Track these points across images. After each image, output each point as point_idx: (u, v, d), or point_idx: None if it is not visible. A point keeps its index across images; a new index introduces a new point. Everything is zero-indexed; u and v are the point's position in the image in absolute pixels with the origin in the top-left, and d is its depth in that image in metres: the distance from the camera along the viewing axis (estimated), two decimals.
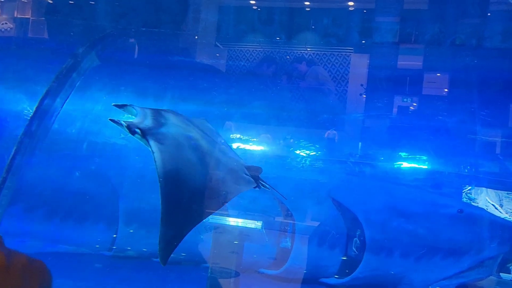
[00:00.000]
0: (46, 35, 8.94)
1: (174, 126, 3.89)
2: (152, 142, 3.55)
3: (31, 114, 4.96)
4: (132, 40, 8.56)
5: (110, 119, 3.45)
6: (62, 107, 5.15)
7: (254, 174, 4.19)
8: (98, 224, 10.69)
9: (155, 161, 3.49)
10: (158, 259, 10.81)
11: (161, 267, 10.64)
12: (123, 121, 3.51)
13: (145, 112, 3.81)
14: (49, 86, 5.02)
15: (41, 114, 4.98)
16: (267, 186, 4.28)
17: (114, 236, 10.63)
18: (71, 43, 7.69)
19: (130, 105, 3.64)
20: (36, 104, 4.95)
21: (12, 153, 4.82)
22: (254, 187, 4.26)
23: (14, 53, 9.06)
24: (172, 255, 10.85)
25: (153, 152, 3.51)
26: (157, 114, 3.85)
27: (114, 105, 3.47)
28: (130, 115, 3.66)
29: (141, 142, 3.72)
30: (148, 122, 3.67)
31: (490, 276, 9.94)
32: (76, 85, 5.18)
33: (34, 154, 4.90)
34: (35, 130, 4.94)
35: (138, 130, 3.56)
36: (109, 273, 9.06)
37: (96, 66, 5.44)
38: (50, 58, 7.97)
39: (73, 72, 5.10)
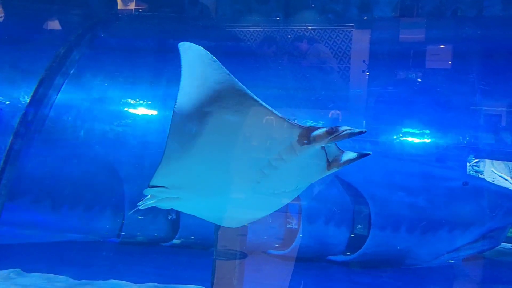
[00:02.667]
0: (40, 24, 8.85)
1: None
2: None
3: (27, 103, 4.93)
4: (125, 25, 8.46)
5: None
6: (57, 96, 5.11)
7: None
8: (105, 211, 10.77)
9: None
10: (167, 243, 10.72)
11: (171, 252, 10.69)
12: None
13: None
14: (43, 75, 4.98)
15: (36, 103, 4.95)
16: None
17: (122, 222, 10.73)
18: (65, 32, 7.61)
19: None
20: (31, 93, 4.91)
21: (9, 143, 4.82)
22: None
23: (9, 43, 8.98)
24: (182, 239, 10.82)
25: None
26: None
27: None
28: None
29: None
30: None
31: (497, 247, 9.94)
32: (70, 72, 5.13)
33: (32, 144, 4.88)
34: (31, 119, 4.92)
35: None
36: (119, 259, 9.15)
37: (90, 53, 5.36)
38: (44, 47, 7.91)
39: (66, 60, 5.05)
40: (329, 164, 2.89)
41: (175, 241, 10.19)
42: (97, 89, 8.87)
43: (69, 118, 8.68)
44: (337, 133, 2.70)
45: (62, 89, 5.04)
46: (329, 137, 2.73)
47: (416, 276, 9.13)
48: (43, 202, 10.37)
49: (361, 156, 2.77)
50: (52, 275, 5.91)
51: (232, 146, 2.82)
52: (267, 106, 2.74)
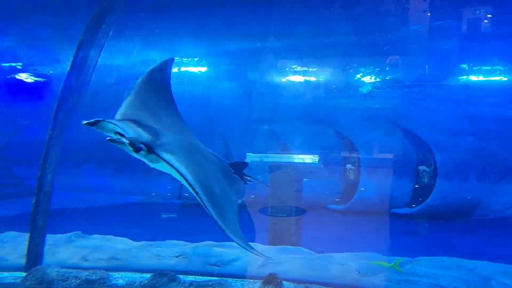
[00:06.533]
0: None
1: (170, 132, 3.49)
2: (165, 155, 3.21)
3: (68, 68, 4.88)
4: None
5: (108, 139, 3.02)
6: (98, 58, 5.02)
7: (239, 171, 3.89)
8: (165, 174, 10.95)
9: (179, 173, 3.19)
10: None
11: None
12: (125, 139, 3.07)
13: (127, 124, 3.25)
14: (81, 37, 4.88)
15: (78, 67, 4.88)
16: (250, 179, 3.96)
17: (182, 184, 10.84)
18: None
19: (103, 120, 3.10)
20: (72, 58, 4.85)
21: (54, 109, 4.83)
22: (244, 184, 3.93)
23: (44, 9, 8.96)
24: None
25: (171, 165, 3.20)
26: (141, 123, 3.31)
27: (85, 123, 3.00)
28: (106, 132, 3.13)
29: (145, 160, 3.24)
30: (145, 135, 3.21)
31: None
32: (110, 33, 4.98)
33: (78, 110, 4.87)
34: (75, 84, 4.88)
35: (143, 146, 3.16)
36: (179, 220, 9.32)
37: (127, 12, 5.16)
38: (81, 9, 7.79)
39: (104, 20, 4.90)
40: None
41: None
42: (137, 49, 8.78)
43: (112, 81, 8.67)
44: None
45: (102, 52, 4.94)
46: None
47: (487, 227, 8.52)
48: (107, 167, 10.76)
49: None
50: (112, 237, 6.06)
51: None
52: None
